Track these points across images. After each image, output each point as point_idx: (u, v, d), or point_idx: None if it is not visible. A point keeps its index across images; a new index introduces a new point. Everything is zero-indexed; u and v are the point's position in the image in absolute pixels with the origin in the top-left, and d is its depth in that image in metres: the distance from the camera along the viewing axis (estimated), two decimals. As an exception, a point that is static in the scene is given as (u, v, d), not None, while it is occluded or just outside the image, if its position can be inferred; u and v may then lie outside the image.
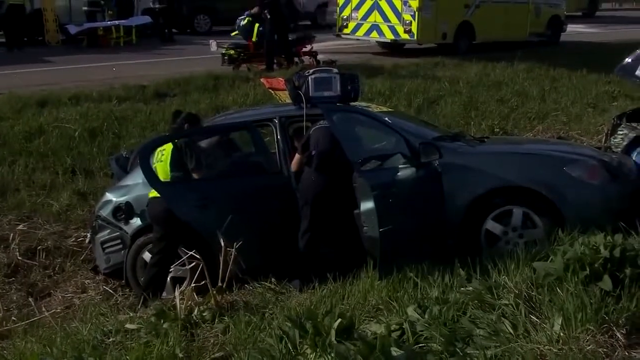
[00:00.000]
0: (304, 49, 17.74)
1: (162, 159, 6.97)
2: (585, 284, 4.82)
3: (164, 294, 7.10)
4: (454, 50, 19.93)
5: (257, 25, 16.98)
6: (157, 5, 23.44)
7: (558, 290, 4.85)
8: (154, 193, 6.98)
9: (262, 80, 11.14)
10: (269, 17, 16.70)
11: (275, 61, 17.06)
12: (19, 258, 8.62)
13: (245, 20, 17.29)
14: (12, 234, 9.00)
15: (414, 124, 7.97)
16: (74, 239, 9.10)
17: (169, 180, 6.93)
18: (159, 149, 7.02)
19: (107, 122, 12.27)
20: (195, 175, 7.03)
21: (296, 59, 17.39)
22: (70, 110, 12.92)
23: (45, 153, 11.26)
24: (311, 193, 6.84)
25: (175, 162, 6.92)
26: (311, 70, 7.35)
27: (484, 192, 6.81)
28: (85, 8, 23.85)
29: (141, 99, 13.90)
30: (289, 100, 7.67)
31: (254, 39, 17.03)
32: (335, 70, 7.41)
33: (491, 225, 6.82)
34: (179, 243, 7.01)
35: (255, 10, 17.15)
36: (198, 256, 6.23)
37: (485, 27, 20.68)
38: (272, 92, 9.42)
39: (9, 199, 10.01)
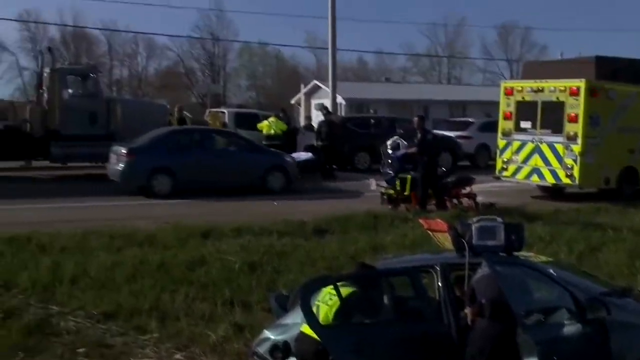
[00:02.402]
0: (463, 191, 17.70)
1: (329, 302, 6.92)
2: None
3: None
4: (617, 196, 19.36)
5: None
6: (319, 143, 24.18)
7: None
8: (307, 328, 6.94)
9: (420, 221, 11.10)
10: (425, 159, 16.94)
11: (433, 202, 17.15)
12: (175, 387, 8.72)
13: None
14: (169, 363, 9.15)
15: (579, 277, 7.67)
16: (229, 372, 9.14)
17: (328, 323, 6.87)
18: (327, 291, 6.99)
19: (266, 256, 12.45)
20: (354, 319, 6.96)
21: (455, 201, 17.40)
22: (232, 242, 13.25)
23: (206, 283, 11.45)
24: (489, 343, 6.57)
25: (342, 311, 6.86)
26: (475, 219, 7.27)
27: (655, 354, 6.43)
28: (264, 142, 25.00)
29: (301, 234, 14.12)
30: (447, 243, 7.57)
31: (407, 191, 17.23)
32: (499, 219, 7.29)
33: (662, 389, 6.40)
34: None
35: (412, 150, 17.45)
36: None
37: (652, 173, 20.07)
38: (431, 233, 9.33)
39: (169, 327, 10.18)
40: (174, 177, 19.54)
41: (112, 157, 20.42)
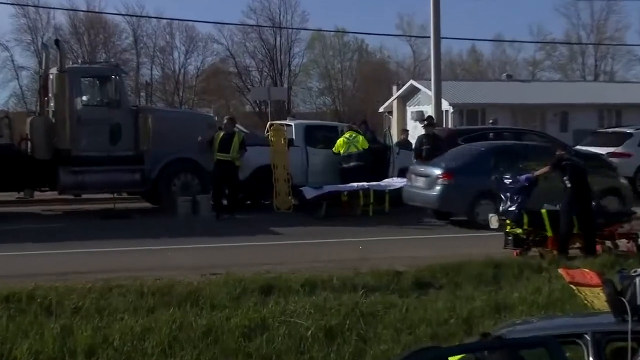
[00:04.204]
0: (620, 230, 17.41)
1: None
2: None
3: None
4: None
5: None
6: (420, 165, 24.14)
7: None
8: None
9: (560, 271, 10.96)
10: (569, 186, 16.75)
11: (577, 244, 16.91)
12: None
13: None
14: None
15: None
16: None
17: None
18: None
19: (349, 319, 12.39)
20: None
21: (608, 243, 17.13)
22: (302, 300, 13.20)
23: (268, 356, 11.49)
24: None
25: None
26: (639, 270, 7.16)
27: None
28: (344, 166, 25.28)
29: (395, 289, 14.00)
30: (599, 302, 7.51)
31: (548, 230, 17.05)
32: (672, 270, 7.18)
33: None
34: None
35: (544, 170, 17.35)
36: None
37: None
38: (575, 288, 9.27)
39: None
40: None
41: (416, 179, 22.37)
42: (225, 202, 23.93)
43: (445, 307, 13.01)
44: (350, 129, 26.46)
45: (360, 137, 25.59)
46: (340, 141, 25.63)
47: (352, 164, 25.06)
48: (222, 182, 23.38)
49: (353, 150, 25.18)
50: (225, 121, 24.54)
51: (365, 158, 25.31)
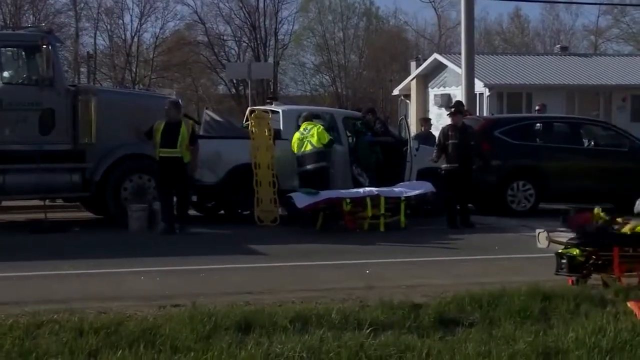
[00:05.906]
0: None
1: None
2: None
3: None
4: None
5: None
6: (445, 164, 23.90)
7: None
8: None
9: (630, 304, 10.92)
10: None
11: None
12: None
13: None
14: None
15: None
16: None
17: None
18: None
19: (353, 366, 12.40)
20: None
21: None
22: (291, 340, 13.06)
23: (246, 416, 11.49)
24: None
25: None
26: None
27: None
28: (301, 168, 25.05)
29: (412, 327, 13.85)
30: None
31: None
32: None
33: None
34: None
35: None
36: None
37: None
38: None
39: None
40: None
41: None
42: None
43: (478, 351, 12.84)
44: (307, 120, 25.27)
45: (316, 130, 24.72)
46: (294, 137, 25.04)
47: (309, 166, 24.65)
48: (171, 186, 23.06)
49: (308, 148, 24.63)
50: (167, 106, 23.88)
51: (327, 156, 24.92)
